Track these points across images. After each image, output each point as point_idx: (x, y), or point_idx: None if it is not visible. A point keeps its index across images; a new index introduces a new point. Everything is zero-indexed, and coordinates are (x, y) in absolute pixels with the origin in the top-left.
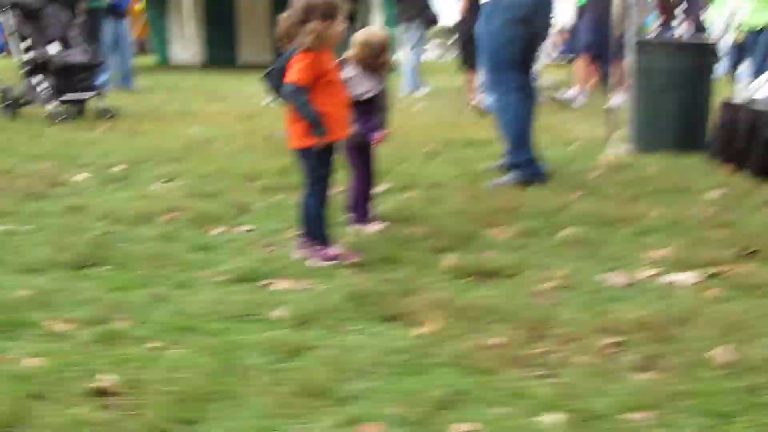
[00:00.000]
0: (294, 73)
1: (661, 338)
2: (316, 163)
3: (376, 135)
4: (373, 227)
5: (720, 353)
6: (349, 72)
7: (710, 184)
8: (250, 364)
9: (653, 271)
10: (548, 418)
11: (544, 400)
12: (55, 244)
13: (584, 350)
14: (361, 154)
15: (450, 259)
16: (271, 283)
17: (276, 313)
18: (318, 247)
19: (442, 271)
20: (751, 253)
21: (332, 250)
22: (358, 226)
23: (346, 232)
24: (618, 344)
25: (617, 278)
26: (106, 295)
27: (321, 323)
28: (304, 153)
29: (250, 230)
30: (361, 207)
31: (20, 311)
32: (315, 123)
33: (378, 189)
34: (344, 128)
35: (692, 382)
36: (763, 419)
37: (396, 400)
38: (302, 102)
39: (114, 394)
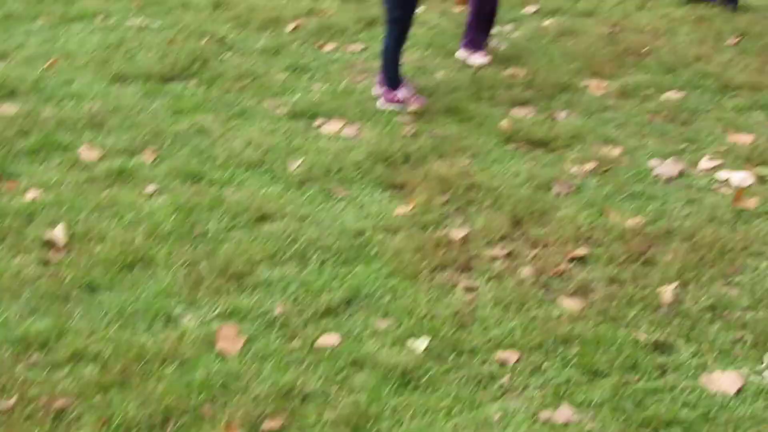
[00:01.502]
0: None
1: (631, 259)
2: (400, 4)
3: None
4: (477, 59)
5: (668, 292)
6: None
7: None
8: (204, 230)
9: (714, 163)
10: (415, 344)
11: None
12: (163, 49)
13: (540, 260)
14: None
15: (508, 122)
16: (324, 123)
17: (292, 166)
18: (387, 89)
19: (494, 134)
20: None
21: (400, 94)
22: (464, 53)
23: (453, 60)
24: (581, 259)
25: (667, 168)
26: (161, 120)
27: (322, 183)
28: None
29: (363, 49)
30: (473, 31)
31: (67, 130)
32: None
33: (522, 10)
34: None
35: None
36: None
37: (294, 294)
38: None
39: (60, 248)
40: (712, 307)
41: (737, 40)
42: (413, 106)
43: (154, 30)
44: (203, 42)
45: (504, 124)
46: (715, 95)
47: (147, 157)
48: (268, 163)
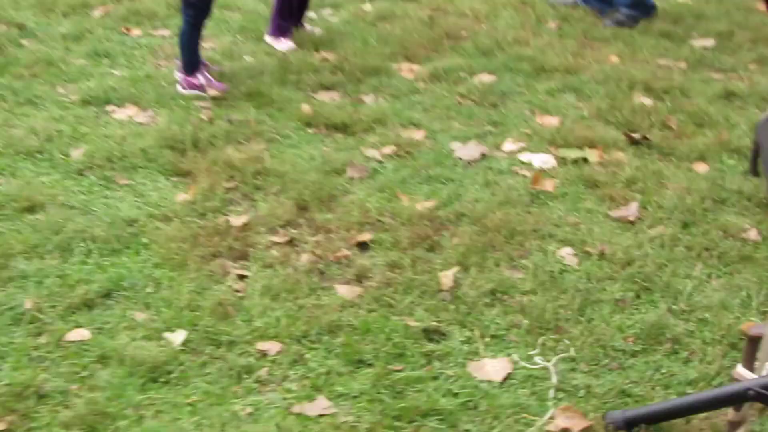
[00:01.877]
0: None
1: (416, 244)
2: None
3: None
4: (282, 45)
5: (447, 277)
6: None
7: None
8: None
9: (518, 146)
10: (171, 337)
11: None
12: None
13: (320, 247)
14: None
15: (309, 107)
16: (116, 110)
17: (73, 154)
18: (186, 74)
19: (294, 118)
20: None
21: (197, 79)
22: (270, 39)
23: (263, 45)
24: (364, 245)
25: (469, 150)
26: None
27: (102, 171)
28: None
29: (172, 35)
30: (278, 17)
31: None
32: None
33: None
34: None
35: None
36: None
37: (49, 288)
38: None
39: None
40: (492, 292)
41: (557, 24)
42: (212, 92)
43: None
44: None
45: (305, 108)
46: (528, 78)
47: None
48: (48, 151)
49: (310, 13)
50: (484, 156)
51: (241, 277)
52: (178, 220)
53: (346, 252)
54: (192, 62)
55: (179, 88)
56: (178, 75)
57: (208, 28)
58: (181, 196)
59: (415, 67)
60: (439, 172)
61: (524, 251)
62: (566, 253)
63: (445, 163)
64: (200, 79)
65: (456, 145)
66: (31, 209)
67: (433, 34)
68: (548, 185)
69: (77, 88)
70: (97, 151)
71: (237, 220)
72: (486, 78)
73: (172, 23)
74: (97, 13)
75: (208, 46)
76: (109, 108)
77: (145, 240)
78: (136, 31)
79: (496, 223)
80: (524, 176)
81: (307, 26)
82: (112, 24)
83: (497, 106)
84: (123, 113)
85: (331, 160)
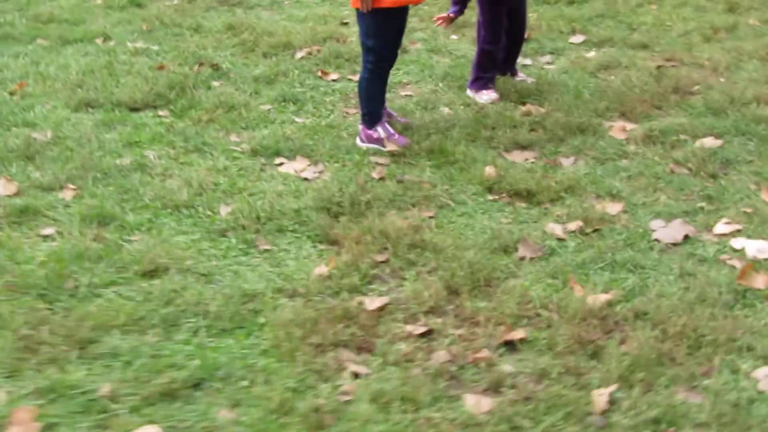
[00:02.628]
0: None
1: (576, 348)
2: (371, 31)
3: None
4: (483, 96)
5: (602, 397)
6: None
7: None
8: (75, 284)
9: (732, 228)
10: None
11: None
12: (147, 75)
13: (462, 343)
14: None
15: (494, 168)
16: (282, 163)
17: (222, 211)
18: (365, 126)
19: (475, 181)
20: None
21: (377, 132)
22: (471, 92)
23: (461, 97)
24: (514, 346)
25: (671, 231)
26: (106, 152)
27: (246, 233)
28: (360, 15)
29: None
30: (478, 70)
31: None
32: None
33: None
34: None
35: None
36: None
37: (136, 370)
38: None
39: None
40: (655, 421)
41: None
42: (390, 146)
43: (150, 54)
44: (195, 68)
45: (489, 170)
46: (762, 144)
47: (65, 194)
48: (196, 206)
49: (526, 60)
50: (687, 238)
51: (356, 375)
52: (304, 298)
53: (487, 353)
54: (372, 114)
55: (358, 140)
56: (359, 126)
57: (411, 73)
58: (320, 269)
59: (630, 126)
60: (629, 256)
61: (710, 368)
62: (764, 375)
63: (638, 245)
64: (380, 132)
65: (657, 224)
66: (152, 273)
67: (659, 89)
68: (760, 282)
69: (252, 136)
70: (247, 210)
71: (372, 303)
72: (710, 142)
73: None
74: (299, 54)
75: (405, 93)
76: (279, 160)
77: (262, 320)
78: (332, 75)
79: (682, 328)
80: (732, 267)
81: (520, 74)
82: (309, 67)
83: (717, 177)
84: (291, 167)
85: (503, 235)
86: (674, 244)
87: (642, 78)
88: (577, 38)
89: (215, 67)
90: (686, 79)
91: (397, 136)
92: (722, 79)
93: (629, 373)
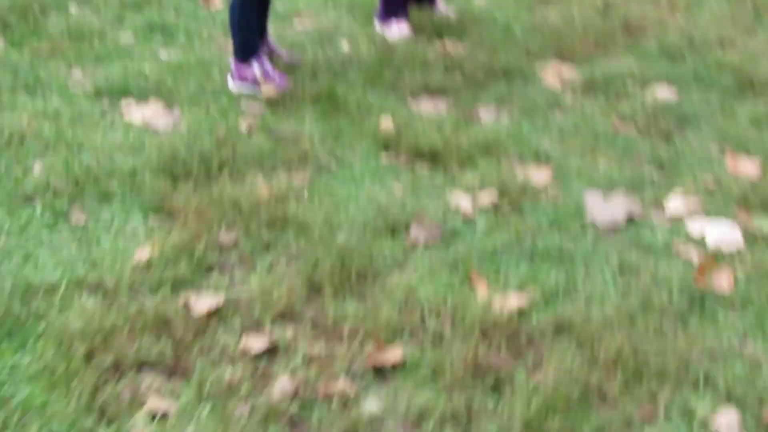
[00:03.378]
0: None
1: (467, 378)
2: None
3: None
4: (394, 31)
5: None
6: None
7: None
8: None
9: (690, 205)
10: None
11: None
12: None
13: (315, 367)
14: None
15: (392, 121)
16: (130, 107)
17: (35, 169)
18: (238, 61)
19: (369, 137)
20: None
21: (252, 70)
22: (379, 25)
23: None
24: (384, 374)
25: (610, 209)
26: None
27: (58, 200)
28: None
29: None
30: None
31: None
32: None
33: None
34: None
35: None
36: None
37: None
38: None
39: None
40: None
41: None
42: (267, 89)
43: None
44: None
45: (386, 123)
46: (726, 97)
47: None
48: (1, 161)
49: None
50: (632, 220)
51: (154, 417)
52: (109, 295)
53: (346, 384)
54: (246, 44)
55: (230, 80)
56: (231, 62)
57: (311, 1)
58: (143, 252)
59: (567, 70)
60: (554, 242)
61: (653, 410)
62: (726, 421)
63: (567, 227)
64: (255, 69)
65: (593, 199)
66: None
67: (606, 27)
68: (723, 282)
69: (99, 72)
70: (63, 169)
71: (201, 304)
72: (664, 93)
73: None
74: None
75: (301, 24)
76: (126, 102)
77: (42, 326)
78: (217, 3)
79: (618, 350)
80: (687, 262)
81: (441, 5)
82: None
83: (671, 137)
84: (139, 112)
85: (393, 210)
86: (613, 228)
87: (585, 14)
88: None
89: None
90: (638, 17)
91: (276, 75)
92: (680, 19)
93: (541, 419)
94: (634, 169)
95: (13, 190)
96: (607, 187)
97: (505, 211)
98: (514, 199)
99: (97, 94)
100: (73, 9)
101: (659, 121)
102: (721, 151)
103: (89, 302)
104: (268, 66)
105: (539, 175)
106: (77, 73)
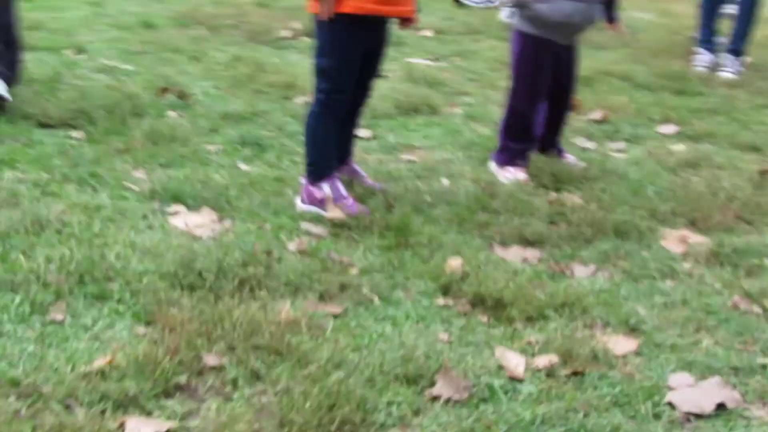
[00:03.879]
0: None
1: None
2: (327, 47)
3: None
4: (508, 174)
5: None
6: None
7: None
8: None
9: None
10: None
11: None
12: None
13: None
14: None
15: (455, 265)
16: (177, 213)
17: (36, 259)
18: (308, 181)
19: (429, 276)
20: None
21: (321, 191)
22: (494, 166)
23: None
24: None
25: (697, 396)
26: None
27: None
28: (317, 26)
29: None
30: (505, 137)
31: None
32: None
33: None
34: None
35: None
36: None
37: None
38: None
39: None
40: None
41: None
42: (332, 212)
43: (117, 73)
44: (156, 92)
45: (454, 262)
46: None
47: None
48: (8, 245)
49: (587, 143)
50: (722, 409)
51: None
52: (38, 404)
53: None
54: (318, 165)
55: (298, 200)
56: (301, 181)
57: (430, 137)
58: (101, 361)
59: (695, 237)
60: (613, 422)
61: None
62: None
63: (636, 408)
64: (325, 190)
65: (679, 380)
66: None
67: (755, 197)
68: None
69: (164, 174)
70: (66, 262)
71: (140, 429)
72: None
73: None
74: (299, 99)
75: (407, 157)
76: (175, 208)
77: None
78: None
79: None
80: None
81: (569, 156)
82: (299, 111)
83: None
84: (186, 219)
85: (422, 358)
86: (697, 415)
87: (736, 182)
88: (668, 128)
89: (182, 95)
90: None
91: (349, 200)
92: None
93: None
94: (744, 355)
95: (6, 275)
96: (704, 370)
97: (561, 378)
98: (577, 367)
99: (151, 195)
100: (171, 114)
101: None
102: None
103: (12, 406)
104: (341, 189)
105: (621, 345)
106: (140, 174)
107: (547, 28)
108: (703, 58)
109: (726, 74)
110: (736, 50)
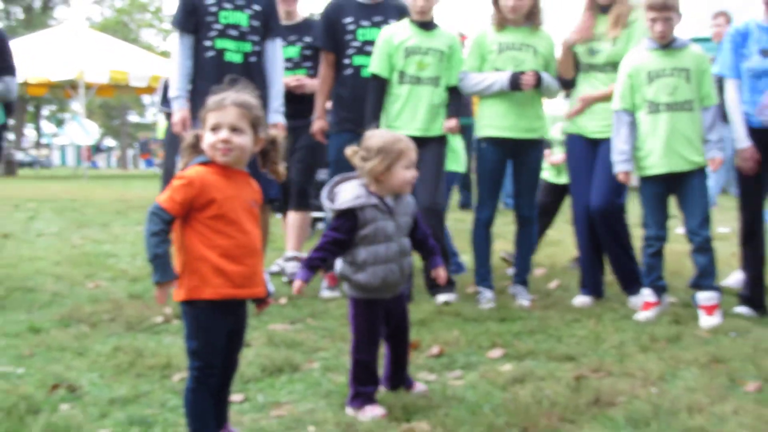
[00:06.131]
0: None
1: None
2: (192, 330)
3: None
4: (366, 413)
5: None
6: None
7: None
8: None
9: None
10: None
11: None
12: None
13: None
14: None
15: None
16: None
17: None
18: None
19: None
20: None
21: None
22: (354, 407)
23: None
24: None
25: None
26: None
27: None
28: (184, 310)
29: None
30: (356, 383)
31: None
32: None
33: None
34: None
35: None
36: None
37: None
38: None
39: None
40: None
41: (758, 386)
42: None
43: (10, 377)
44: (48, 390)
45: None
46: None
47: None
48: None
49: (429, 376)
50: None
51: None
52: None
53: None
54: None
55: None
56: None
57: (294, 392)
58: None
59: None
60: None
61: None
62: None
63: None
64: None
65: None
66: None
67: (577, 400)
68: None
69: None
70: None
71: None
72: None
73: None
74: (177, 376)
75: (276, 413)
76: None
77: None
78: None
79: None
80: None
81: (419, 385)
82: (180, 388)
83: None
84: None
85: None
86: None
87: (556, 390)
88: (496, 352)
89: (71, 388)
90: (609, 390)
91: None
92: (653, 389)
93: None
94: None
95: None
96: None
97: None
98: None
99: None
100: (64, 407)
101: None
102: None
103: None
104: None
105: None
106: None
107: (370, 291)
108: (485, 296)
109: (522, 302)
110: (523, 281)
